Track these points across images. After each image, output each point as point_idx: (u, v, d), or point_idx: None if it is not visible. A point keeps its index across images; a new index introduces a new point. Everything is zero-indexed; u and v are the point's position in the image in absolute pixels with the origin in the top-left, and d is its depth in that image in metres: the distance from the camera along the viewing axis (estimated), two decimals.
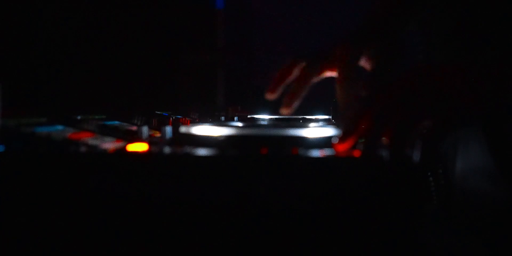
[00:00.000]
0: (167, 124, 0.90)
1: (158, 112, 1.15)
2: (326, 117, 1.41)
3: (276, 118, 1.39)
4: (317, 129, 0.70)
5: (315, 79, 0.78)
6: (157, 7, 1.82)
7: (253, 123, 1.12)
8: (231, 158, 0.55)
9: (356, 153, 0.57)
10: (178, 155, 0.57)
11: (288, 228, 0.53)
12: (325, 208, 0.53)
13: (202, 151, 0.58)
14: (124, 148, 0.63)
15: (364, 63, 0.79)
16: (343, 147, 0.60)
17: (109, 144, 0.66)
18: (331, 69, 0.77)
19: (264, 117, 1.44)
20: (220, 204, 0.54)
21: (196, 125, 0.94)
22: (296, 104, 0.77)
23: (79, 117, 0.81)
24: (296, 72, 0.78)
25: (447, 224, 0.77)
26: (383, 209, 0.53)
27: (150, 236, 0.55)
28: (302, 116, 1.40)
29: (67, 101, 1.33)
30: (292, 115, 0.77)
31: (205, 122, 1.11)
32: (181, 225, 0.55)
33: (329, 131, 0.67)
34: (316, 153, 0.56)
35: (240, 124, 0.94)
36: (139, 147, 0.63)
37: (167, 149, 0.59)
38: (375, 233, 0.53)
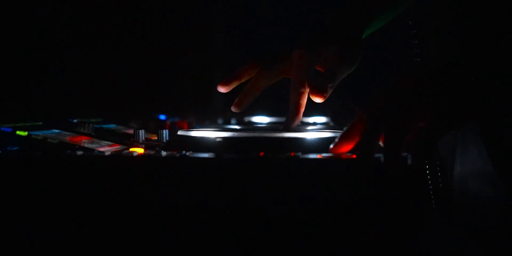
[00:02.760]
0: (164, 127, 0.89)
1: (155, 115, 1.14)
2: (325, 119, 1.40)
3: (274, 122, 1.39)
4: (315, 132, 0.70)
5: (270, 81, 0.79)
6: (154, 10, 1.82)
7: (251, 126, 1.12)
8: (229, 161, 0.55)
9: (353, 157, 0.57)
10: (175, 158, 0.57)
11: (286, 231, 0.53)
12: (322, 211, 0.53)
13: (199, 154, 0.57)
14: (120, 151, 0.63)
15: (319, 66, 0.79)
16: (338, 152, 0.59)
17: (106, 148, 0.65)
18: (287, 73, 0.79)
19: (262, 120, 1.44)
20: (218, 207, 0.54)
21: (194, 128, 0.93)
22: (248, 103, 0.79)
23: (75, 121, 0.80)
24: (252, 73, 0.80)
25: (446, 227, 0.77)
26: (382, 213, 0.53)
27: (148, 240, 0.55)
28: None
29: (63, 104, 1.33)
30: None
31: (202, 125, 1.11)
32: (179, 228, 0.55)
33: (327, 134, 0.67)
34: (313, 156, 0.56)
35: (237, 127, 0.94)
36: (136, 150, 0.63)
37: (164, 153, 0.59)
38: (374, 236, 0.53)
